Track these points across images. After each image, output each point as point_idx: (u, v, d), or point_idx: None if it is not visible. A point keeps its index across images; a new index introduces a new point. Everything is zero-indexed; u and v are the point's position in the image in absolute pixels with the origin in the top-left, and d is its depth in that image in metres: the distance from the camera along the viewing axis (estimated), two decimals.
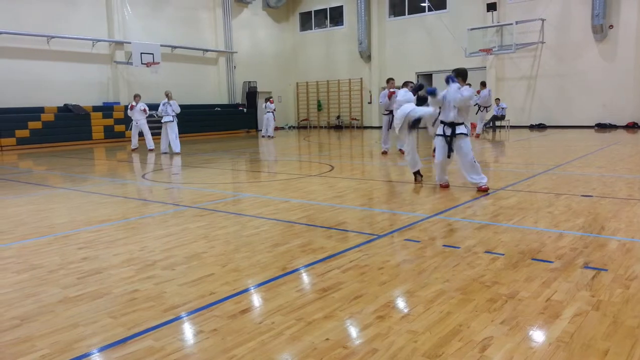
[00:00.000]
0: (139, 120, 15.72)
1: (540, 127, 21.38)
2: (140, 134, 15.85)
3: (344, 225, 5.29)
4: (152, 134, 15.80)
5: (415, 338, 2.66)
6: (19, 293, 3.51)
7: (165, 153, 14.40)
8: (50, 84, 19.09)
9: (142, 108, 15.64)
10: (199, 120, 22.40)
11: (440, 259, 4.01)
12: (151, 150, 15.45)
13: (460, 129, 7.00)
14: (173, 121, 14.48)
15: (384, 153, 12.42)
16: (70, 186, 8.70)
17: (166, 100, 14.44)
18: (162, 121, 14.56)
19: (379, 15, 25.60)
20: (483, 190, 6.90)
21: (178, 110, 14.49)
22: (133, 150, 15.83)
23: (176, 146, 14.34)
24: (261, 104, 27.20)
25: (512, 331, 2.71)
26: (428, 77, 24.59)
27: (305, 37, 28.71)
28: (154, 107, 21.29)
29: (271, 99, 21.25)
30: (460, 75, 7.02)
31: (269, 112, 20.82)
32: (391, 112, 11.70)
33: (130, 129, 16.34)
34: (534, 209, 5.80)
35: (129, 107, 16.04)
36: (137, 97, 15.89)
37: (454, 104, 6.91)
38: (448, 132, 7.07)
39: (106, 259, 4.26)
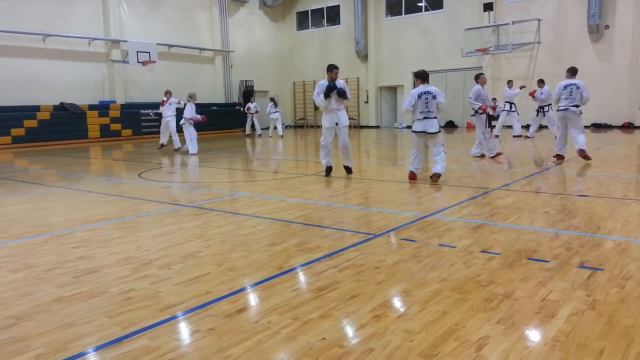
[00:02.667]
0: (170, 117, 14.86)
1: None
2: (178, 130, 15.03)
3: (341, 224, 5.29)
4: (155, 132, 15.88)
5: (412, 337, 2.66)
6: (15, 292, 3.50)
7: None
8: (46, 83, 19.01)
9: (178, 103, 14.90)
10: None
11: (436, 258, 4.01)
12: (177, 149, 14.80)
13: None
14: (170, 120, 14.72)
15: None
16: (66, 185, 8.67)
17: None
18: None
19: (376, 14, 25.60)
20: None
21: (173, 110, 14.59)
22: (177, 150, 14.84)
23: (175, 142, 14.91)
24: (259, 103, 27.23)
25: (508, 331, 2.72)
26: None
27: (301, 37, 28.69)
28: (149, 106, 21.40)
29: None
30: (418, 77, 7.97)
31: (277, 112, 21.02)
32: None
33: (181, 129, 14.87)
34: (530, 208, 5.82)
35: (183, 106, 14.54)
36: (168, 94, 14.99)
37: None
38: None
39: (102, 258, 4.24)
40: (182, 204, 6.62)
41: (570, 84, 10.10)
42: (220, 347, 2.61)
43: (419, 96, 7.74)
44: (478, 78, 11.25)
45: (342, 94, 8.24)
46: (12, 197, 7.65)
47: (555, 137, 10.40)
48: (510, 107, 17.02)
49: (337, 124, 8.44)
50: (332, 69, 8.25)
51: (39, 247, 4.66)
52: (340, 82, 8.31)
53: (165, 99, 15.09)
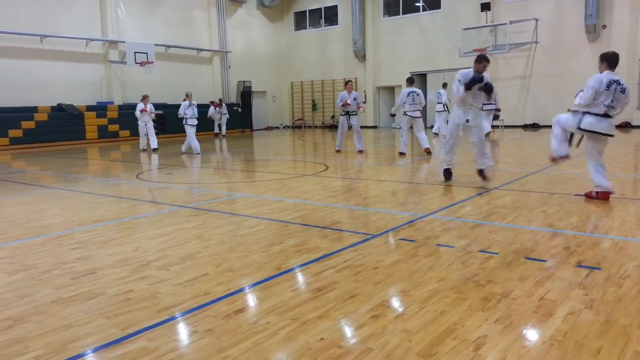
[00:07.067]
0: (148, 122, 15.51)
1: (534, 126, 21.45)
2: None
3: (339, 224, 5.29)
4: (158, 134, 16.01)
5: (410, 337, 2.66)
6: (13, 293, 3.49)
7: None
8: (43, 84, 18.99)
9: (152, 110, 15.53)
10: None
11: (435, 258, 4.02)
12: (155, 149, 15.27)
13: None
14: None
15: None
16: (63, 186, 8.66)
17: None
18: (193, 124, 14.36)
19: (374, 14, 25.62)
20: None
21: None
22: (144, 150, 15.60)
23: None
24: (257, 103, 27.28)
25: (506, 330, 2.72)
26: (422, 76, 24.64)
27: (299, 37, 28.70)
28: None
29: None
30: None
31: (225, 114, 22.38)
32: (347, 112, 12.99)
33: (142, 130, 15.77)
34: (528, 208, 5.83)
35: (141, 110, 15.48)
36: (146, 98, 15.61)
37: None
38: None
39: (100, 259, 4.24)
40: (180, 205, 6.61)
41: (412, 92, 11.77)
42: (219, 347, 2.61)
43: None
44: (346, 85, 12.84)
45: (489, 90, 7.19)
46: (9, 198, 7.63)
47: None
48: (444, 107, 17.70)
49: (467, 121, 7.32)
50: (482, 60, 7.17)
51: (37, 249, 4.65)
52: (487, 76, 7.23)
53: (144, 105, 15.53)
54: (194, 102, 14.33)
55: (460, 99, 7.29)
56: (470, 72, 7.19)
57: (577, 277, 3.50)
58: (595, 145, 6.24)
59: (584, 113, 6.05)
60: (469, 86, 7.10)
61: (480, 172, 7.42)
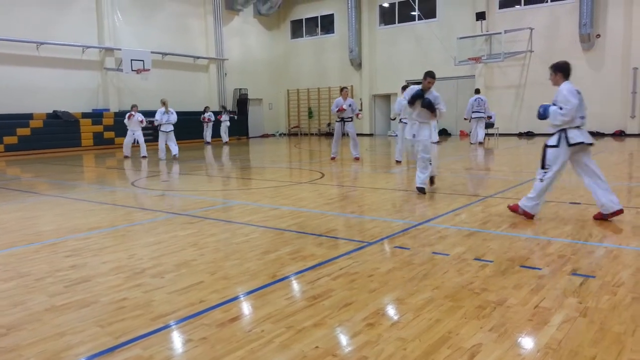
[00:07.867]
0: (136, 131, 15.75)
1: (529, 135, 21.55)
2: (134, 142, 16.01)
3: (334, 232, 5.29)
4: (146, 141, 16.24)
5: (405, 345, 2.66)
6: (6, 301, 3.47)
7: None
8: (39, 90, 18.95)
9: (140, 119, 15.69)
10: (189, 127, 22.32)
11: (430, 266, 4.02)
12: (144, 157, 15.51)
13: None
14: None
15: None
16: (58, 193, 8.63)
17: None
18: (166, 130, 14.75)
19: (370, 23, 25.75)
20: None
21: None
22: (126, 157, 15.83)
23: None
24: (253, 111, 27.33)
25: (500, 338, 2.72)
26: (418, 85, 24.70)
27: (296, 45, 28.80)
28: (142, 114, 21.33)
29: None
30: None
31: (226, 121, 22.64)
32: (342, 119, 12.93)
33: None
34: (523, 216, 5.84)
35: (127, 117, 15.85)
36: (135, 107, 15.86)
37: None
38: None
39: (94, 267, 4.22)
40: (176, 212, 6.60)
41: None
42: (214, 356, 2.60)
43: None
44: (342, 91, 12.87)
45: (426, 106, 7.29)
46: (3, 205, 7.60)
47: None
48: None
49: (414, 136, 7.53)
50: (426, 76, 7.36)
51: (31, 256, 4.63)
52: (433, 94, 7.38)
53: (133, 113, 15.81)
54: (170, 109, 14.88)
55: (409, 114, 7.80)
56: (415, 89, 7.58)
57: (572, 285, 3.51)
58: (585, 160, 5.68)
59: (563, 130, 5.67)
60: (410, 101, 7.48)
61: (420, 190, 7.45)
